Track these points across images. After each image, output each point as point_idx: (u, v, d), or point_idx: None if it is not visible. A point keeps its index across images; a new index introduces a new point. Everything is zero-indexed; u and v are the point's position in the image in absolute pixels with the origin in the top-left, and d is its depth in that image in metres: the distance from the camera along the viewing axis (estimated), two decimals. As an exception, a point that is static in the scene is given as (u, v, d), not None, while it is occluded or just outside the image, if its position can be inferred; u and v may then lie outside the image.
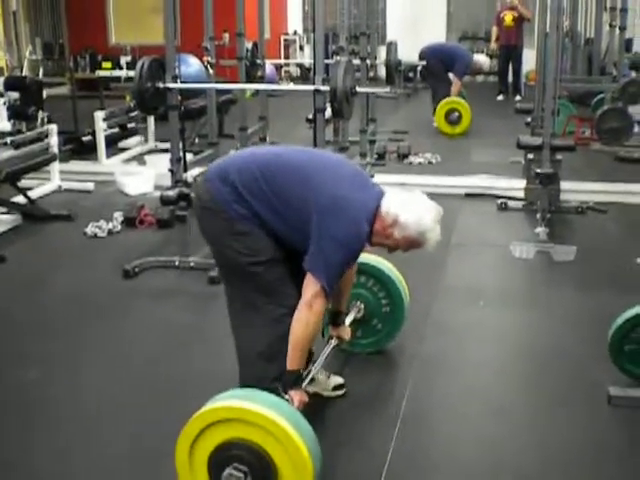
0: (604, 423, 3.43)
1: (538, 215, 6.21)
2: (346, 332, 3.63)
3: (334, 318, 3.58)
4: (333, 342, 3.56)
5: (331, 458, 3.12)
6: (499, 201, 6.89)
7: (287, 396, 2.96)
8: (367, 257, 3.82)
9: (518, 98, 13.67)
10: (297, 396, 3.00)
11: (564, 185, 6.75)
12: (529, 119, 8.28)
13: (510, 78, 14.52)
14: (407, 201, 3.04)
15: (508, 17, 13.96)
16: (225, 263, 3.19)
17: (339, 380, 3.64)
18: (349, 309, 3.79)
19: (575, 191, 7.02)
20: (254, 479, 2.56)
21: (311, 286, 2.94)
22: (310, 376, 3.21)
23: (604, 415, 3.46)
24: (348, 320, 3.71)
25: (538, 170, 6.27)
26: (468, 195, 7.27)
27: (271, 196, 3.01)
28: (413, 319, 4.32)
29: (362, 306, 3.91)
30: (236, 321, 3.21)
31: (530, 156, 6.89)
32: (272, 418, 2.54)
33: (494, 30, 14.56)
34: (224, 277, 3.28)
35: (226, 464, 2.57)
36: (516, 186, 7.07)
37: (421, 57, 11.29)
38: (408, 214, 2.99)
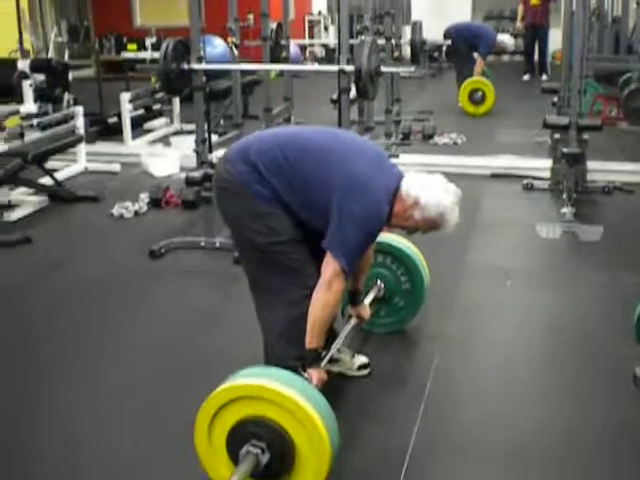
0: (630, 404, 3.41)
1: (564, 195, 6.17)
2: (365, 311, 3.64)
3: (353, 297, 3.58)
4: (353, 321, 3.57)
5: (356, 437, 3.14)
6: (525, 181, 6.84)
7: (306, 374, 2.98)
8: (382, 235, 3.83)
9: (544, 78, 13.56)
10: (316, 374, 3.02)
11: (591, 165, 6.71)
12: (555, 99, 8.21)
13: (536, 58, 14.39)
14: (427, 183, 3.05)
15: (534, -4, 13.83)
16: (245, 244, 3.20)
17: (364, 360, 3.64)
18: (369, 289, 3.80)
19: (602, 171, 6.96)
20: (272, 456, 2.57)
21: (330, 266, 2.94)
22: (329, 355, 3.22)
23: (630, 396, 3.43)
24: (368, 299, 3.72)
25: (565, 150, 6.24)
26: (494, 175, 7.24)
27: (292, 176, 3.02)
28: (438, 299, 4.33)
29: (382, 285, 3.91)
30: (258, 302, 3.24)
31: (557, 136, 6.85)
32: (288, 394, 2.56)
33: (520, 9, 14.42)
34: (244, 258, 3.29)
35: (244, 441, 2.58)
36: (542, 166, 7.03)
37: (446, 36, 11.23)
38: (428, 196, 3.00)
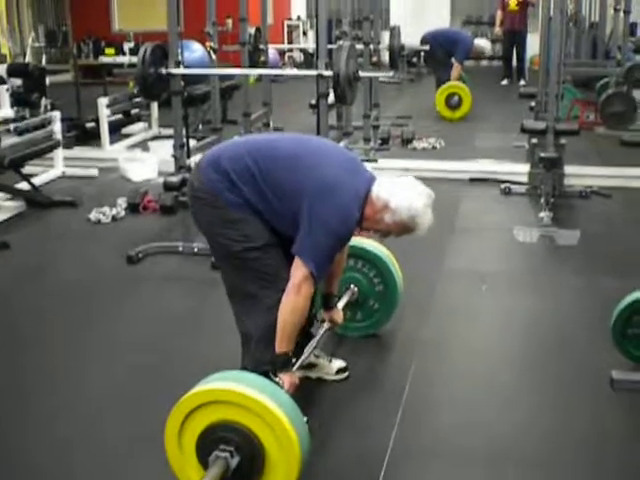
0: (607, 407, 3.43)
1: (542, 199, 6.20)
2: (338, 315, 3.63)
3: (326, 301, 3.57)
4: (325, 325, 3.56)
5: (333, 442, 3.14)
6: (503, 186, 6.87)
7: (278, 379, 2.98)
8: (353, 239, 3.83)
9: (522, 83, 13.65)
10: (288, 378, 3.02)
11: (568, 169, 6.74)
12: (533, 103, 8.26)
13: (514, 63, 14.47)
14: (398, 186, 3.05)
15: (512, 1, 13.90)
16: (220, 252, 3.21)
17: (341, 363, 3.64)
18: (342, 293, 3.79)
19: (579, 175, 7.00)
20: (241, 459, 2.56)
21: (299, 270, 2.95)
22: (302, 359, 3.21)
23: (607, 399, 3.45)
24: (341, 304, 3.71)
25: (542, 154, 6.27)
26: (472, 180, 7.26)
27: (262, 184, 3.02)
28: (415, 303, 4.34)
29: (355, 289, 3.91)
30: (236, 309, 3.25)
31: (534, 140, 6.89)
32: (257, 398, 2.55)
33: (498, 14, 14.49)
34: (221, 266, 3.29)
35: (214, 446, 2.58)
36: (520, 170, 7.06)
37: (423, 42, 11.28)
38: (399, 199, 2.99)
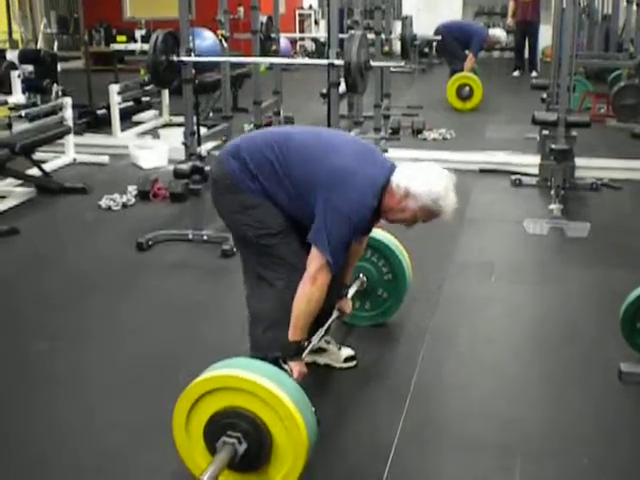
0: (615, 399, 3.43)
1: (552, 191, 6.19)
2: (348, 305, 3.65)
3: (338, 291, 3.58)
4: (334, 314, 3.57)
5: (341, 429, 3.15)
6: (513, 177, 6.86)
7: (287, 367, 3.00)
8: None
9: (534, 74, 13.58)
10: (297, 367, 3.04)
11: (579, 161, 6.72)
12: (545, 95, 8.23)
13: (526, 54, 14.42)
14: (417, 172, 3.05)
15: (525, -8, 13.84)
16: (238, 236, 3.27)
17: (350, 352, 3.65)
18: (351, 283, 3.80)
19: (590, 168, 6.99)
20: (249, 446, 2.58)
21: (315, 260, 2.97)
22: (309, 348, 3.21)
23: (615, 391, 3.46)
24: (350, 293, 3.72)
25: (553, 146, 6.26)
26: (482, 171, 7.25)
27: (281, 174, 3.06)
28: (425, 294, 4.35)
29: (364, 278, 3.92)
30: (248, 292, 3.28)
31: (545, 132, 6.86)
32: (264, 385, 2.57)
33: (511, 5, 14.43)
34: (239, 249, 3.36)
35: (221, 432, 2.59)
36: (531, 162, 7.04)
37: (436, 34, 11.26)
38: (419, 184, 3.00)
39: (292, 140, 3.14)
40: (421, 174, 3.04)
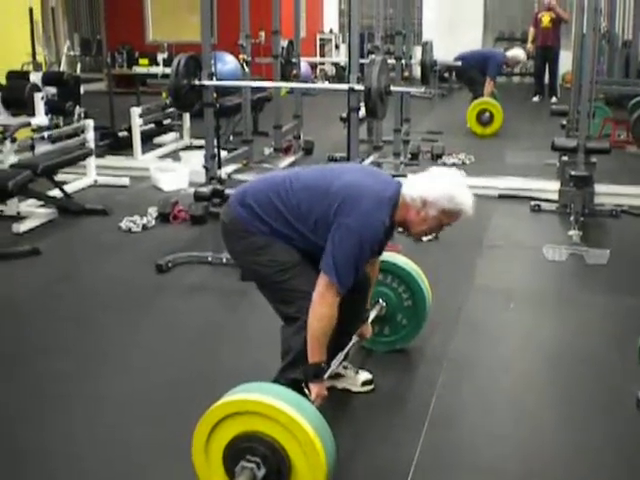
0: (633, 428, 3.41)
1: (572, 218, 6.18)
2: (367, 330, 3.66)
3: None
4: (354, 339, 3.57)
5: (358, 454, 3.15)
6: (532, 203, 6.85)
7: (307, 389, 3.02)
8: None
9: (554, 100, 13.58)
10: (315, 389, 3.05)
11: (598, 188, 6.71)
12: (565, 121, 8.23)
13: (546, 79, 14.43)
14: (427, 180, 3.12)
15: (545, 18, 13.85)
16: (255, 278, 3.30)
17: (368, 376, 3.66)
18: (371, 307, 3.80)
19: (609, 194, 6.96)
20: (267, 471, 2.58)
21: (322, 279, 3.00)
22: (329, 371, 3.22)
23: (633, 420, 3.43)
24: (370, 318, 3.72)
25: (572, 172, 6.25)
26: (501, 196, 7.24)
27: (288, 215, 3.11)
28: (443, 319, 4.34)
29: (384, 304, 3.92)
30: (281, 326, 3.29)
31: (565, 158, 6.86)
32: (283, 409, 2.57)
33: (531, 31, 14.45)
34: (260, 290, 3.34)
35: (240, 457, 2.60)
36: (550, 188, 7.03)
37: (457, 59, 11.30)
38: (433, 190, 3.05)
39: (297, 180, 3.19)
40: (431, 180, 3.10)
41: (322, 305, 2.99)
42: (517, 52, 11.88)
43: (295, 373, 3.13)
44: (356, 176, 3.16)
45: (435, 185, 3.07)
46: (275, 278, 3.15)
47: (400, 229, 3.23)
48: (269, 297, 3.29)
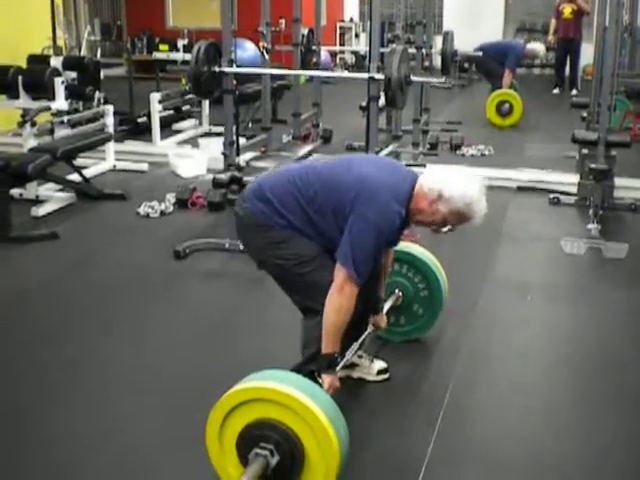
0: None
1: (590, 211, 6.15)
2: (383, 320, 3.65)
3: (374, 305, 3.60)
4: (369, 329, 3.57)
5: (372, 444, 3.15)
6: (551, 195, 6.82)
7: (320, 380, 3.02)
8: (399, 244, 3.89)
9: (574, 92, 13.49)
10: (328, 380, 3.05)
11: (618, 181, 6.68)
12: (585, 114, 8.18)
13: (567, 72, 14.34)
14: (450, 175, 3.09)
15: (567, 10, 13.74)
16: (275, 272, 3.28)
17: (383, 364, 3.66)
18: (387, 297, 3.81)
19: (629, 188, 6.92)
20: (281, 458, 2.59)
21: (340, 271, 2.99)
22: (344, 361, 3.22)
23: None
24: (385, 308, 3.72)
25: (592, 165, 6.21)
26: (520, 188, 7.22)
27: (306, 207, 3.10)
28: (460, 310, 4.33)
29: (400, 294, 3.92)
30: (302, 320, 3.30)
31: (585, 151, 6.82)
32: (297, 397, 2.58)
33: (552, 23, 14.34)
34: (280, 285, 3.33)
35: (254, 443, 2.61)
36: (569, 181, 7.00)
37: (476, 50, 11.26)
38: (452, 187, 3.03)
39: (314, 172, 3.18)
40: (454, 178, 3.07)
41: (341, 297, 2.99)
42: (537, 46, 11.80)
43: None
44: (373, 168, 3.15)
45: (457, 183, 3.04)
46: (296, 270, 3.14)
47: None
48: (289, 290, 3.28)
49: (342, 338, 3.09)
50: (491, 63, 11.05)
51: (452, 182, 3.04)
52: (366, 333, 3.54)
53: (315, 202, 3.09)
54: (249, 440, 2.63)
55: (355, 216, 2.98)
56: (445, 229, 3.20)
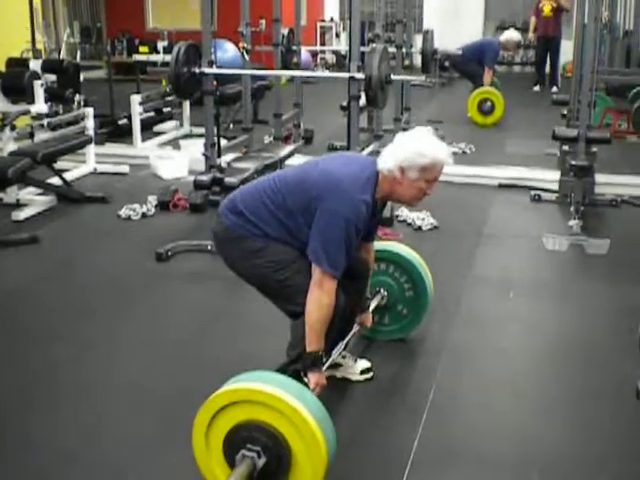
0: (633, 417, 3.41)
1: (572, 207, 6.17)
2: (368, 319, 3.67)
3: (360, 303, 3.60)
4: (355, 328, 3.58)
5: (357, 444, 3.15)
6: (533, 192, 6.84)
7: (306, 378, 3.02)
8: (384, 244, 3.89)
9: (555, 89, 13.55)
10: (314, 378, 3.06)
11: (599, 178, 6.71)
12: (565, 111, 8.21)
13: (547, 69, 14.39)
14: (395, 148, 3.13)
15: (547, 7, 13.80)
16: (254, 282, 3.30)
17: (366, 364, 3.66)
18: (372, 297, 3.81)
19: (610, 184, 6.96)
20: (268, 460, 2.58)
21: (316, 268, 3.02)
22: (330, 360, 3.23)
23: (632, 409, 3.43)
24: (371, 307, 3.73)
25: (573, 162, 6.24)
26: (502, 186, 7.24)
27: (277, 213, 3.13)
28: (443, 309, 4.34)
29: (385, 293, 3.92)
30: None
31: (565, 148, 6.85)
32: (283, 398, 2.57)
33: (532, 20, 14.40)
34: (262, 293, 3.34)
35: (240, 445, 2.60)
36: (550, 178, 7.03)
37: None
38: (405, 154, 3.07)
39: (281, 178, 3.22)
40: (398, 146, 3.12)
41: (320, 293, 3.00)
42: (509, 34, 11.66)
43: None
44: (332, 163, 3.20)
45: (403, 148, 3.09)
46: (276, 277, 3.15)
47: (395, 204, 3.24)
48: (271, 297, 3.29)
49: (328, 337, 3.10)
50: (470, 64, 11.09)
51: (401, 150, 3.09)
52: (352, 332, 3.54)
53: (285, 207, 3.11)
54: (236, 442, 2.62)
55: (320, 211, 3.00)
56: (429, 191, 3.20)
